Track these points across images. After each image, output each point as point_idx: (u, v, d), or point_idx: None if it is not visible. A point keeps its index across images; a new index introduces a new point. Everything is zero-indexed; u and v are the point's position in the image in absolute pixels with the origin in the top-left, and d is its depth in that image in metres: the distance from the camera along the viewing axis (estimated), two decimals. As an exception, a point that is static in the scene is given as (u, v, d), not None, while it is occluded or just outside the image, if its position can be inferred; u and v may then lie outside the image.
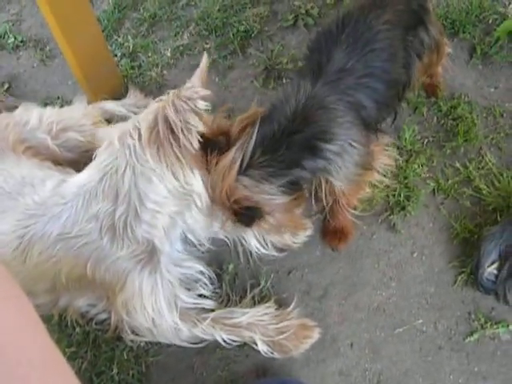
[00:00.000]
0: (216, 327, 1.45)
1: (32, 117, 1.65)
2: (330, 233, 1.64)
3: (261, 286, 1.57)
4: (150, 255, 1.39)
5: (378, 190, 1.65)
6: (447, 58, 1.77)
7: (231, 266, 1.61)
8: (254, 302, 1.53)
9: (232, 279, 1.60)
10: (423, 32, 1.48)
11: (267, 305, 1.50)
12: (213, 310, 1.49)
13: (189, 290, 1.50)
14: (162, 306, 1.41)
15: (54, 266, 1.36)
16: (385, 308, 1.55)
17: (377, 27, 1.37)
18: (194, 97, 1.25)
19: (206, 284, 1.55)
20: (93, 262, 1.36)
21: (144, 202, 1.31)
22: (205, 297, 1.53)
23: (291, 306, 1.51)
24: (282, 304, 1.53)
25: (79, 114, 1.73)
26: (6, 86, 2.07)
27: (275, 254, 1.62)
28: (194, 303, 1.49)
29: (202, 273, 1.55)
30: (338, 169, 1.32)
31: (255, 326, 1.45)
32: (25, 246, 1.36)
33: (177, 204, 1.37)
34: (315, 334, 1.48)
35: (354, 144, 1.33)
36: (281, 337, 1.44)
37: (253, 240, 1.60)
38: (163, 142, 1.26)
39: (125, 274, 1.38)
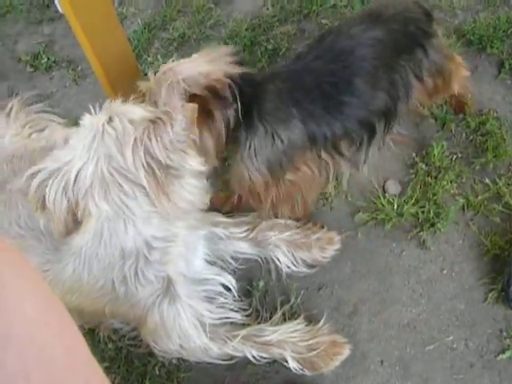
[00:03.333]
0: (246, 344, 1.45)
1: (57, 139, 1.65)
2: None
3: (291, 303, 1.57)
4: (166, 288, 1.38)
5: (408, 206, 1.66)
6: (468, 79, 1.74)
7: (261, 283, 1.62)
8: (285, 319, 1.53)
9: (262, 296, 1.61)
10: (421, 55, 1.45)
11: (297, 321, 1.50)
12: (244, 325, 1.50)
13: (213, 304, 1.50)
14: (188, 332, 1.41)
15: (75, 307, 1.37)
16: (415, 325, 1.54)
17: (359, 40, 1.38)
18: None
19: (229, 296, 1.54)
20: (110, 308, 1.37)
21: (152, 244, 1.27)
22: (231, 309, 1.52)
23: (321, 323, 1.51)
24: (311, 320, 1.54)
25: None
26: (40, 105, 2.11)
27: (305, 270, 1.63)
28: (221, 317, 1.49)
29: (224, 285, 1.54)
30: None
31: (286, 343, 1.45)
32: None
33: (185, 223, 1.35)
34: (346, 351, 1.47)
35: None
36: (311, 354, 1.44)
37: (282, 257, 1.61)
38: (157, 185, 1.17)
39: (144, 312, 1.38)
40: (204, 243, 1.52)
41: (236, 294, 1.55)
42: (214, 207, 1.69)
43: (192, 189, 1.26)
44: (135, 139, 1.14)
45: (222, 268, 1.58)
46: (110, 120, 1.17)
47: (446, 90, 1.65)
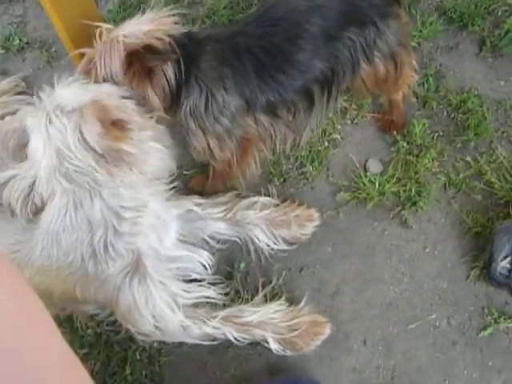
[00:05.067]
0: (226, 325, 1.43)
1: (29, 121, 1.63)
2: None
3: (272, 284, 1.56)
4: (136, 264, 1.35)
5: (390, 185, 1.65)
6: (408, 89, 1.67)
7: (242, 265, 1.60)
8: (266, 300, 1.51)
9: (243, 277, 1.59)
10: (374, 34, 1.39)
11: (278, 302, 1.48)
12: (224, 306, 1.48)
13: (188, 283, 1.47)
14: (162, 311, 1.39)
15: (44, 290, 1.33)
16: (397, 304, 1.54)
17: (298, 7, 1.35)
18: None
19: (205, 274, 1.51)
20: (80, 287, 1.33)
21: (121, 215, 1.26)
22: (208, 288, 1.49)
23: (302, 303, 1.49)
24: (293, 301, 1.52)
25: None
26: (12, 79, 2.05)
27: (285, 247, 1.60)
28: (197, 297, 1.46)
29: (202, 264, 1.51)
30: None
31: (266, 324, 1.43)
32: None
33: (153, 190, 1.34)
34: (326, 330, 1.46)
35: None
36: (292, 334, 1.42)
37: (261, 235, 1.59)
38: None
39: (115, 291, 1.35)
40: (178, 222, 1.48)
41: (212, 271, 1.52)
42: (195, 191, 1.68)
43: (156, 152, 1.27)
44: (71, 134, 1.18)
45: (198, 246, 1.54)
46: (50, 121, 1.20)
47: (395, 81, 1.55)
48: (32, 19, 2.28)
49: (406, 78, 1.59)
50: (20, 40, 2.20)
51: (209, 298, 1.47)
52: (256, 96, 1.36)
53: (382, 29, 1.39)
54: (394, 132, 1.76)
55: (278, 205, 1.64)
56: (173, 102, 1.37)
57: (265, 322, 1.43)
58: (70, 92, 1.27)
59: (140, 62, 1.28)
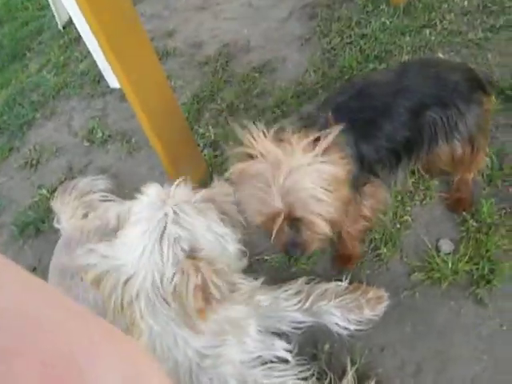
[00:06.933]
0: None
1: (110, 217, 1.72)
2: (339, 258, 1.84)
3: (357, 364, 1.62)
4: None
5: (462, 264, 1.71)
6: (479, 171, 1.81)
7: (327, 346, 1.67)
8: (354, 381, 1.57)
9: (328, 358, 1.66)
10: (456, 116, 1.53)
11: None
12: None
13: (272, 377, 1.50)
14: None
15: None
16: (480, 382, 1.57)
17: (386, 89, 1.52)
18: None
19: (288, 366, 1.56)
20: None
21: (203, 352, 1.34)
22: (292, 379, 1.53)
23: None
24: (377, 380, 1.57)
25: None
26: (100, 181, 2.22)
27: (361, 328, 1.68)
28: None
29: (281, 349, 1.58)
30: None
31: None
32: None
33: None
34: None
35: None
36: None
37: (338, 321, 1.68)
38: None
39: None
40: (255, 319, 1.56)
41: (293, 354, 1.59)
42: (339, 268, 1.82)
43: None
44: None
45: (277, 336, 1.63)
46: (162, 237, 1.22)
47: (470, 163, 1.68)
48: (112, 112, 2.49)
49: (479, 161, 1.71)
50: (103, 133, 2.40)
51: None
52: (361, 154, 1.50)
53: (463, 112, 1.54)
54: (463, 211, 1.83)
55: (347, 287, 1.73)
56: None
57: None
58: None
59: None
